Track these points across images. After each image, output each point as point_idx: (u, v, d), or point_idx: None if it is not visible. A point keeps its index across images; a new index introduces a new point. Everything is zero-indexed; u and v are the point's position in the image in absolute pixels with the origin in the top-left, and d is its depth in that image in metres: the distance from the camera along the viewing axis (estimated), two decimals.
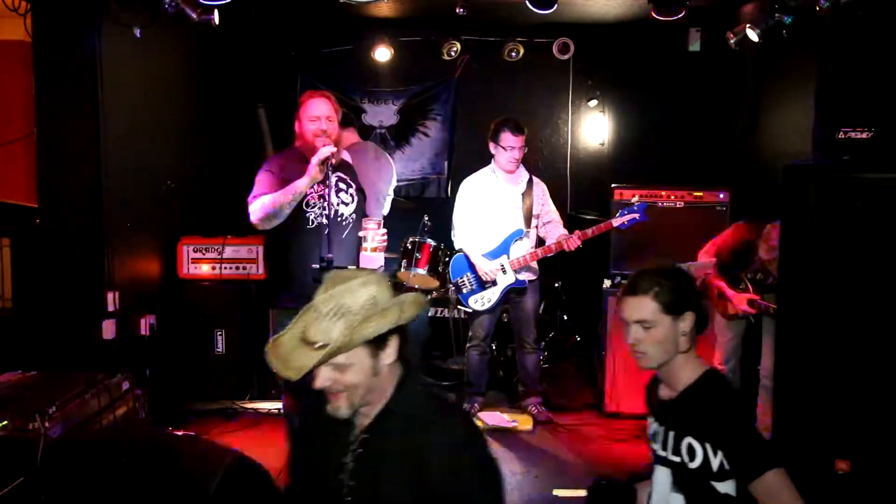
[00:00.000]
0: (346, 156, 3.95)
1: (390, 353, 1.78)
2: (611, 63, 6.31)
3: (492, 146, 4.68)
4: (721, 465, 1.84)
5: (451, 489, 1.71)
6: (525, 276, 4.67)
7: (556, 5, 4.56)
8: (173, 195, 5.02)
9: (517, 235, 4.65)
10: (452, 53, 6.08)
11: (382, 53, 6.16)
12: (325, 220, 3.50)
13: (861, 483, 3.00)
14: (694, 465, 1.88)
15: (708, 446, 1.86)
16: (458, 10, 4.86)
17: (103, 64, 4.01)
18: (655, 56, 6.10)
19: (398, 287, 5.62)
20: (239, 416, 4.79)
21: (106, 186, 4.07)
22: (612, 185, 5.04)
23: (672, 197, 4.95)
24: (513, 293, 4.70)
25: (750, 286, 4.02)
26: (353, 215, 3.62)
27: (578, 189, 6.37)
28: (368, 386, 1.76)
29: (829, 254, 3.05)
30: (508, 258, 4.63)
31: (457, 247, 4.77)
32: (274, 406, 4.91)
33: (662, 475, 1.96)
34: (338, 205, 3.62)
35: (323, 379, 1.73)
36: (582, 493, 3.71)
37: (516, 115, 4.97)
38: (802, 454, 3.11)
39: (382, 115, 6.48)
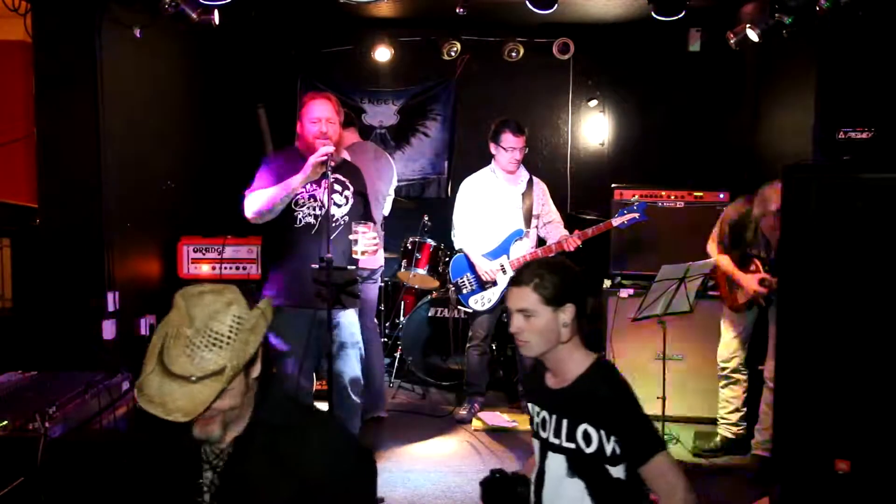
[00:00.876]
0: (345, 155, 3.95)
1: (258, 366, 1.73)
2: (611, 63, 6.32)
3: (492, 147, 4.69)
4: (614, 450, 1.93)
5: (335, 488, 1.73)
6: None
7: (556, 5, 4.56)
8: (173, 195, 5.02)
9: (517, 235, 4.65)
10: (452, 53, 6.09)
11: (382, 53, 6.16)
12: (313, 220, 3.53)
13: (861, 483, 3.00)
14: (590, 450, 1.95)
15: (602, 432, 1.93)
16: (458, 10, 4.86)
17: (103, 64, 4.01)
18: (655, 56, 6.10)
19: (397, 287, 5.64)
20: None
21: (106, 186, 4.06)
22: (612, 185, 5.04)
23: (672, 197, 4.95)
24: None
25: (759, 265, 3.98)
26: (346, 217, 3.61)
27: (578, 189, 6.37)
28: (242, 404, 1.71)
29: (830, 254, 3.05)
30: (508, 258, 4.63)
31: (457, 247, 4.77)
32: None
33: (556, 462, 2.03)
34: (335, 206, 3.62)
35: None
36: None
37: (516, 115, 4.97)
38: (802, 454, 3.11)
39: (382, 115, 6.48)
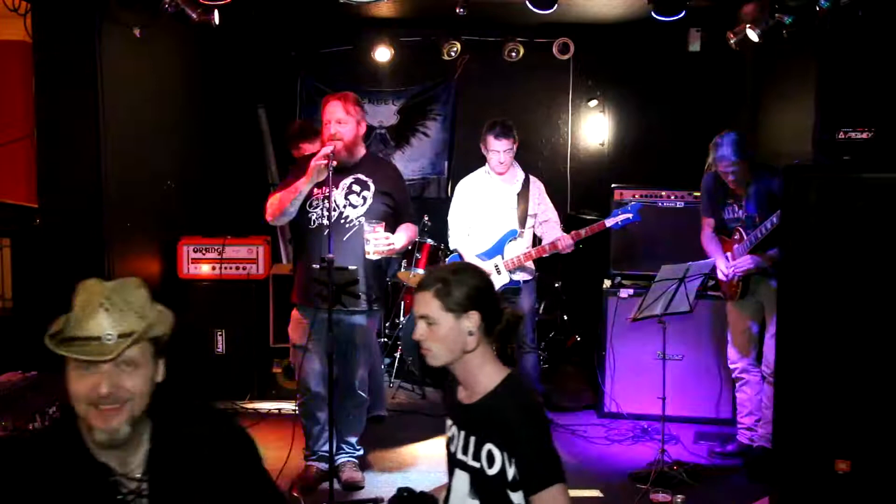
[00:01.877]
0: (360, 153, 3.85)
1: (162, 368, 1.65)
2: (611, 63, 6.31)
3: (482, 148, 4.68)
4: (515, 474, 1.84)
5: (251, 483, 1.69)
6: (520, 277, 4.66)
7: (556, 5, 4.55)
8: (173, 195, 5.02)
9: (511, 236, 4.64)
10: (452, 53, 6.08)
11: (382, 53, 6.16)
12: (325, 221, 3.52)
13: (861, 483, 3.00)
14: (492, 471, 1.86)
15: (506, 454, 1.85)
16: (458, 10, 4.85)
17: (103, 64, 4.01)
18: (655, 56, 6.10)
19: (397, 287, 5.64)
20: (239, 416, 4.79)
21: (106, 186, 4.07)
22: (612, 185, 5.04)
23: (672, 197, 4.95)
24: (508, 293, 4.69)
25: (743, 234, 3.96)
26: (362, 218, 3.61)
27: (578, 189, 6.37)
28: (145, 397, 1.59)
29: (830, 254, 3.05)
30: (503, 258, 4.63)
31: (451, 247, 4.76)
32: (274, 406, 4.92)
33: (461, 480, 1.95)
34: (344, 206, 3.62)
35: (109, 384, 1.51)
36: (582, 493, 3.73)
37: (516, 116, 4.96)
38: (802, 454, 3.11)
39: (382, 115, 6.48)
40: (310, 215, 3.62)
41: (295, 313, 3.77)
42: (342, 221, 3.61)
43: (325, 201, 3.55)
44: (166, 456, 1.61)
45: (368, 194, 3.64)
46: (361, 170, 3.69)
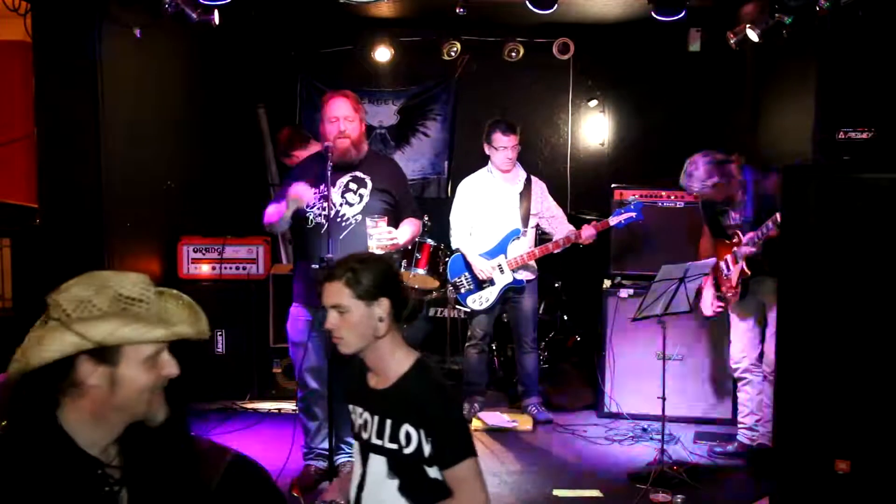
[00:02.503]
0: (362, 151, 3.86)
1: None
2: (611, 63, 6.31)
3: (486, 148, 4.69)
4: (431, 451, 1.94)
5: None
6: (523, 276, 4.67)
7: (556, 5, 4.56)
8: (173, 195, 5.02)
9: (514, 235, 4.65)
10: (452, 53, 6.08)
11: (382, 53, 6.16)
12: (323, 220, 3.54)
13: (861, 483, 3.00)
14: (409, 450, 1.95)
15: (422, 432, 1.94)
16: (458, 10, 4.86)
17: (103, 64, 4.01)
18: (655, 56, 6.10)
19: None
20: (239, 415, 4.79)
21: (106, 186, 4.07)
22: (612, 185, 5.04)
23: (672, 197, 4.94)
24: (511, 292, 4.70)
25: (739, 235, 3.95)
26: (359, 216, 3.61)
27: (578, 189, 6.37)
28: None
29: (829, 254, 3.05)
30: (506, 258, 4.63)
31: (454, 247, 4.77)
32: (274, 406, 4.92)
33: (378, 464, 2.02)
34: (340, 205, 3.63)
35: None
36: (582, 493, 3.73)
37: (516, 116, 4.97)
38: (802, 454, 3.11)
39: (382, 115, 6.48)
40: (307, 214, 3.63)
41: (293, 310, 3.77)
42: (338, 220, 3.61)
43: (323, 200, 3.56)
44: (136, 442, 1.59)
45: (365, 192, 3.65)
46: (360, 168, 3.69)
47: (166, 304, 1.63)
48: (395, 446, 1.97)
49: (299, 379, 3.73)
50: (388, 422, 1.99)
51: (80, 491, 1.49)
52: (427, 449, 1.93)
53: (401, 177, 3.89)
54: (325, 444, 3.61)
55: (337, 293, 1.97)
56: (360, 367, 2.10)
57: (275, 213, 3.62)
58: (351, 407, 2.14)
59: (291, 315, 3.77)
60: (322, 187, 3.56)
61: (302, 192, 3.49)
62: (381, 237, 3.49)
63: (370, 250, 3.49)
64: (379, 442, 2.00)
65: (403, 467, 1.97)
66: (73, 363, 1.47)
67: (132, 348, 1.51)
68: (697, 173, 3.89)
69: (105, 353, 1.48)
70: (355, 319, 1.96)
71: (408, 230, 3.72)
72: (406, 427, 1.95)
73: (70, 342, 1.45)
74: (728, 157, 3.96)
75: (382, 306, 1.97)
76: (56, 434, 1.49)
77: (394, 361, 2.02)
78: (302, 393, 3.75)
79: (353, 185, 3.65)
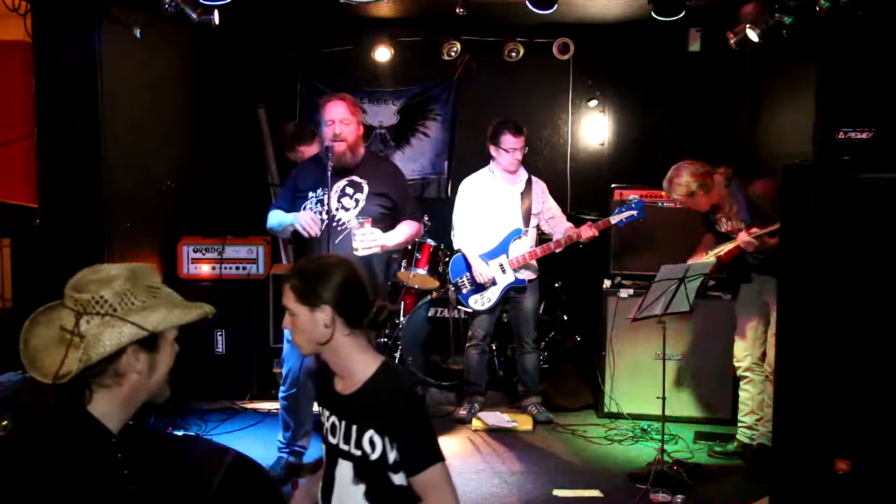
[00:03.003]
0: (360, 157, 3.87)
1: None
2: (611, 63, 6.31)
3: (492, 148, 4.68)
4: (395, 457, 1.91)
5: None
6: (524, 275, 4.67)
7: (556, 5, 4.56)
8: (173, 195, 5.02)
9: (516, 234, 4.65)
10: (452, 53, 6.08)
11: (382, 53, 6.16)
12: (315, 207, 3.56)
13: (861, 483, 3.00)
14: (374, 456, 1.93)
15: (387, 439, 1.91)
16: (458, 10, 4.86)
17: (103, 64, 4.01)
18: (655, 56, 6.10)
19: (397, 288, 5.64)
20: (239, 415, 4.79)
21: (106, 186, 4.07)
22: (612, 185, 5.04)
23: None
24: (512, 292, 4.70)
25: (732, 229, 4.01)
26: (353, 221, 3.62)
27: (578, 189, 6.37)
28: None
29: (829, 254, 3.05)
30: (508, 257, 4.64)
31: (456, 247, 4.77)
32: (274, 406, 4.91)
33: (345, 469, 2.00)
34: (336, 209, 3.63)
35: None
36: (582, 493, 3.73)
37: (516, 116, 4.97)
38: (802, 454, 3.11)
39: (382, 115, 6.48)
40: None
41: None
42: (334, 224, 3.62)
43: (319, 205, 3.58)
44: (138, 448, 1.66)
45: (361, 196, 3.65)
46: (357, 171, 3.70)
47: (167, 288, 1.70)
48: (359, 453, 1.95)
49: (290, 374, 3.74)
50: (354, 428, 1.97)
51: (108, 476, 1.55)
52: (392, 456, 1.91)
53: (399, 179, 3.89)
54: (304, 443, 3.71)
55: (286, 295, 1.98)
56: (329, 371, 2.08)
57: (277, 224, 3.69)
58: (320, 409, 2.14)
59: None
60: (320, 191, 3.59)
61: (310, 225, 3.52)
62: (365, 239, 3.49)
63: (354, 252, 3.50)
64: (346, 447, 1.98)
65: (369, 474, 1.95)
66: (120, 354, 1.55)
67: (169, 333, 1.63)
68: (678, 180, 3.97)
69: (152, 341, 1.59)
70: (301, 324, 1.96)
71: (401, 232, 3.72)
72: (370, 433, 1.93)
73: (128, 333, 1.54)
74: (713, 169, 4.01)
75: (325, 312, 1.93)
76: (93, 425, 1.56)
77: (357, 366, 1.99)
78: (290, 389, 3.76)
79: (349, 190, 3.66)
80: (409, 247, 5.29)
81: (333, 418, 2.05)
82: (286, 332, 3.77)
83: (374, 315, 1.99)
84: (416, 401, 1.99)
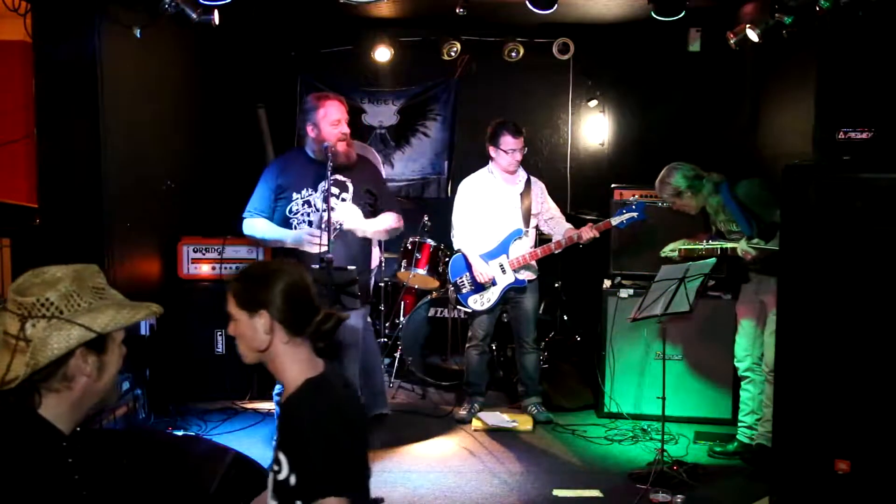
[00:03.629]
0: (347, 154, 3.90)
1: None
2: (611, 63, 6.31)
3: (491, 149, 4.68)
4: (295, 481, 1.80)
5: None
6: (524, 276, 4.67)
7: (556, 5, 4.56)
8: (173, 195, 5.02)
9: (516, 235, 4.65)
10: (452, 53, 6.09)
11: (382, 53, 6.16)
12: (307, 226, 3.55)
13: (861, 483, 3.00)
14: (280, 476, 1.83)
15: (290, 461, 1.81)
16: (458, 10, 4.86)
17: (103, 64, 4.01)
18: (655, 56, 6.10)
19: (397, 287, 5.65)
20: (239, 415, 4.79)
21: (106, 186, 4.07)
22: (612, 185, 5.04)
23: None
24: (512, 292, 4.70)
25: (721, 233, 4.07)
26: (342, 221, 3.62)
27: (578, 189, 6.37)
28: None
29: (829, 254, 3.05)
30: (508, 258, 4.64)
31: (456, 247, 4.77)
32: (274, 406, 4.91)
33: (270, 482, 1.91)
34: (323, 210, 3.63)
35: None
36: (582, 493, 3.73)
37: (516, 116, 4.96)
38: (802, 454, 3.11)
39: (382, 115, 6.48)
40: (291, 221, 3.64)
41: None
42: (323, 225, 3.61)
43: (307, 205, 3.59)
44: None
45: (347, 195, 3.66)
46: (340, 171, 3.71)
47: (113, 289, 1.67)
48: (276, 468, 1.86)
49: None
50: (276, 441, 1.90)
51: (57, 481, 1.52)
52: (292, 480, 1.79)
53: (379, 175, 3.94)
54: None
55: (228, 300, 1.94)
56: None
57: (268, 238, 3.73)
58: None
59: None
60: (307, 192, 3.60)
61: (312, 243, 3.52)
62: (345, 212, 3.49)
63: (339, 224, 3.48)
64: (273, 459, 1.89)
65: (279, 492, 1.84)
66: (68, 357, 1.51)
67: (117, 334, 1.60)
68: (668, 180, 4.05)
69: (101, 342, 1.55)
70: (240, 329, 1.91)
71: (384, 220, 3.73)
72: (280, 452, 1.84)
73: (76, 335, 1.50)
74: (702, 173, 4.05)
75: (263, 319, 1.88)
76: (43, 428, 1.52)
77: (288, 378, 1.90)
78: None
79: (334, 190, 3.65)
80: (409, 246, 5.29)
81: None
82: None
83: (319, 324, 1.91)
84: (325, 424, 1.81)
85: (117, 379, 1.64)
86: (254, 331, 1.89)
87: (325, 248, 3.48)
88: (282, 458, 1.82)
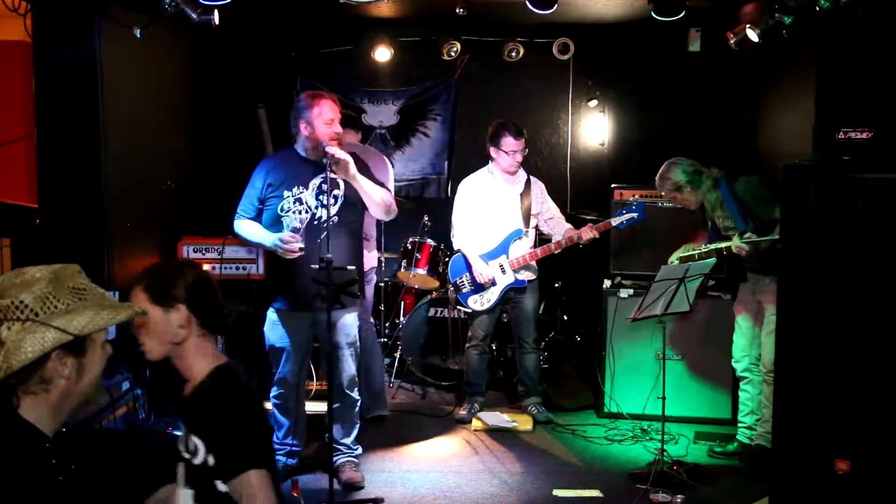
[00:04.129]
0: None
1: None
2: (611, 63, 6.31)
3: (492, 150, 4.68)
4: (213, 463, 1.88)
5: None
6: (524, 276, 4.67)
7: (556, 5, 4.56)
8: (173, 195, 5.01)
9: (516, 235, 4.65)
10: (452, 53, 6.09)
11: (382, 53, 6.16)
12: (299, 224, 3.54)
13: (861, 483, 3.00)
14: (197, 461, 1.91)
15: (206, 444, 1.90)
16: (458, 10, 4.86)
17: (103, 64, 4.01)
18: (655, 56, 6.10)
19: (397, 287, 5.65)
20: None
21: (106, 186, 4.07)
22: (612, 185, 5.04)
23: None
24: (512, 292, 4.70)
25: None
26: (336, 218, 3.60)
27: (578, 189, 6.37)
28: None
29: (829, 254, 3.05)
30: (508, 258, 4.64)
31: (456, 247, 4.77)
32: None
33: (181, 472, 1.98)
34: (316, 207, 3.62)
35: None
36: (582, 493, 3.73)
37: (516, 116, 4.96)
38: (802, 454, 3.11)
39: (382, 115, 6.48)
40: (283, 219, 3.62)
41: (272, 315, 3.75)
42: (315, 223, 3.59)
43: (298, 203, 3.58)
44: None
45: (339, 192, 3.65)
46: (330, 167, 3.69)
47: (98, 289, 1.65)
48: (188, 456, 1.93)
49: (280, 379, 3.75)
50: (185, 430, 1.97)
51: (41, 483, 1.52)
52: (210, 461, 1.88)
53: (365, 169, 3.89)
54: (291, 440, 3.76)
55: (136, 297, 1.96)
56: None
57: (254, 240, 3.73)
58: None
59: (270, 319, 3.77)
60: (298, 189, 3.59)
61: (290, 246, 3.50)
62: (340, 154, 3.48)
63: (329, 156, 3.46)
64: (181, 449, 1.97)
65: (195, 478, 1.92)
66: (45, 360, 1.50)
67: (97, 335, 1.59)
68: (668, 175, 4.07)
69: (79, 344, 1.54)
70: (153, 325, 1.94)
71: (376, 188, 3.68)
72: (194, 437, 1.92)
73: (51, 338, 1.49)
74: (702, 169, 4.06)
75: (180, 313, 1.94)
76: (25, 429, 1.52)
77: (196, 369, 1.99)
78: (281, 389, 3.76)
79: (324, 187, 3.63)
80: (409, 246, 5.29)
81: (182, 422, 2.06)
82: (267, 336, 3.78)
83: (224, 318, 2.01)
84: (236, 405, 1.93)
85: (100, 379, 1.63)
86: (168, 325, 1.94)
87: (301, 255, 3.49)
88: (196, 442, 1.90)
